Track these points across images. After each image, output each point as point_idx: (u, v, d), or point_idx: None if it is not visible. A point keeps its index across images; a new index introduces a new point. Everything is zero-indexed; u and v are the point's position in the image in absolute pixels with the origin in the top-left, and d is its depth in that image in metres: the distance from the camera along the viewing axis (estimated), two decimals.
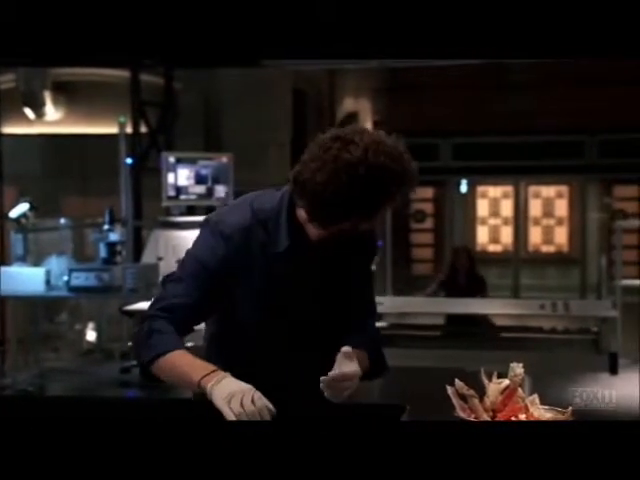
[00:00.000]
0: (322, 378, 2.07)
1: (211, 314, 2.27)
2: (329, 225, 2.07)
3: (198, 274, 2.16)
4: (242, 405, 1.92)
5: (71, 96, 10.27)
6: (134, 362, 7.38)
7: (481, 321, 6.56)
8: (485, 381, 2.08)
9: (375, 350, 2.32)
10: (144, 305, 5.36)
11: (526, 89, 12.07)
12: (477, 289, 8.07)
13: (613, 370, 4.68)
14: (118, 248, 7.17)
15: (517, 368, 2.05)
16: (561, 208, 14.07)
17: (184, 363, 2.08)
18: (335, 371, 2.08)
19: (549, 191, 14.04)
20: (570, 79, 11.72)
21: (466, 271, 8.24)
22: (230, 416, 1.92)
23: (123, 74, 9.17)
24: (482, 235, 14.36)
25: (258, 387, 1.99)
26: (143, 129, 9.18)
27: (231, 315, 2.23)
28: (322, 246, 2.16)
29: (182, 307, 2.15)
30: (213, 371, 2.03)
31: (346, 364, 2.09)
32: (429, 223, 13.66)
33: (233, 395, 1.94)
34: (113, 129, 8.30)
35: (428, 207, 13.71)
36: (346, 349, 2.09)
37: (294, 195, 2.10)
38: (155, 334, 2.12)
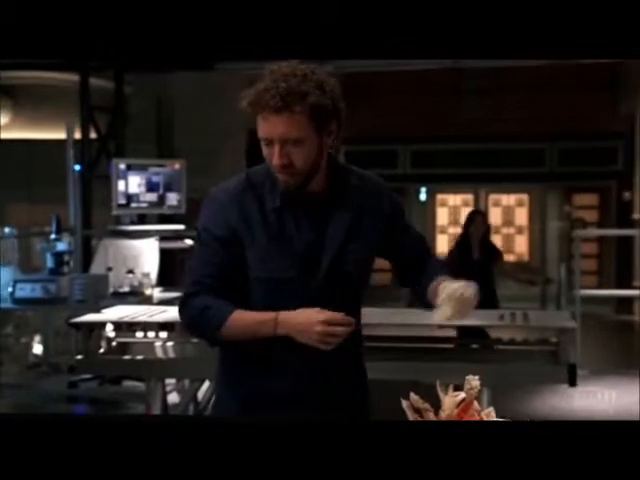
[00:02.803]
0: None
1: (238, 278, 2.35)
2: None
3: (210, 243, 2.30)
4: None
5: (17, 100, 10.05)
6: (82, 376, 7.21)
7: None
8: (440, 394, 2.05)
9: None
10: (93, 317, 5.23)
11: (486, 95, 12.02)
12: (492, 260, 7.54)
13: (572, 382, 4.57)
14: (66, 258, 7.04)
15: (473, 381, 2.02)
16: (521, 217, 14.06)
17: (246, 320, 2.28)
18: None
19: (509, 199, 14.02)
20: (530, 85, 11.69)
21: (481, 239, 7.61)
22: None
23: (71, 77, 8.98)
24: (442, 244, 14.28)
25: (275, 350, 2.26)
26: (92, 135, 9.00)
27: (246, 280, 2.33)
28: (316, 198, 2.29)
29: (210, 277, 2.29)
30: (275, 318, 2.24)
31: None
32: None
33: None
34: (61, 134, 8.10)
35: None
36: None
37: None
38: (205, 311, 2.28)
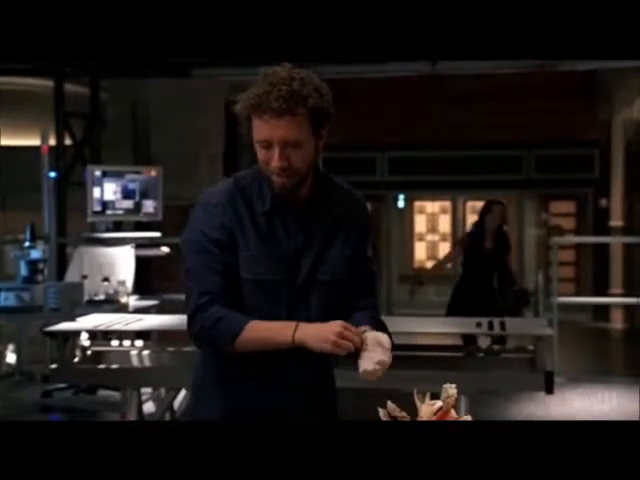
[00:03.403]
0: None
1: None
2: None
3: (209, 249, 2.30)
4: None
5: None
6: (57, 385, 7.14)
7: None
8: (418, 402, 2.06)
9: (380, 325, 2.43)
10: (67, 326, 5.19)
11: (463, 103, 12.03)
12: (503, 250, 7.46)
13: (549, 389, 4.56)
14: (40, 266, 6.94)
15: (450, 389, 2.04)
16: None
17: (262, 330, 2.27)
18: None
19: None
20: (508, 93, 11.71)
21: (495, 229, 7.45)
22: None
23: (46, 83, 8.88)
24: (420, 251, 14.28)
25: (262, 363, 2.28)
26: (68, 141, 8.92)
27: (238, 284, 2.33)
28: (302, 203, 2.32)
29: (217, 284, 2.29)
30: (296, 324, 2.23)
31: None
32: None
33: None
34: (35, 141, 8.02)
35: None
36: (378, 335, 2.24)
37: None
38: (219, 322, 2.26)
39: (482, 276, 7.40)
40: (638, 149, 11.68)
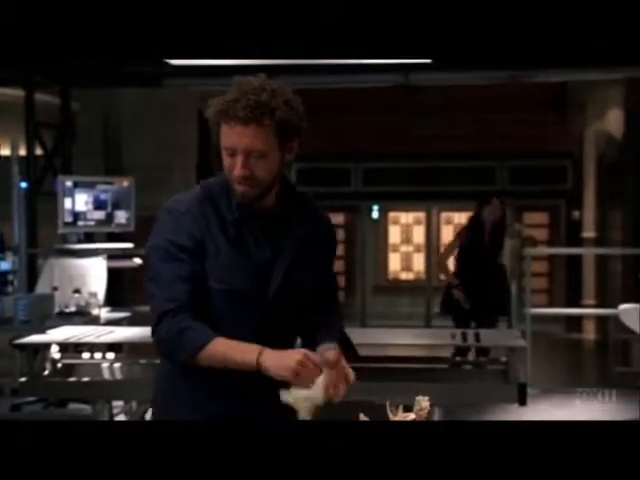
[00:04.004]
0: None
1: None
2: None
3: (176, 255, 2.28)
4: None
5: None
6: (26, 399, 7.04)
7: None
8: (390, 415, 2.07)
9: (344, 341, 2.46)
10: (37, 338, 5.15)
11: (438, 113, 12.07)
12: (499, 244, 7.29)
13: (522, 401, 4.55)
14: (10, 277, 6.93)
15: (423, 402, 2.05)
16: None
17: (227, 349, 2.24)
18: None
19: (461, 217, 14.06)
20: (482, 104, 11.76)
21: (494, 222, 7.22)
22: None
23: (16, 93, 8.79)
24: (394, 262, 14.29)
25: (232, 377, 2.24)
26: (38, 151, 8.82)
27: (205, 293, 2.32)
28: (269, 214, 2.33)
29: (184, 292, 2.26)
30: (260, 349, 2.21)
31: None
32: (340, 250, 13.50)
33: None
34: (5, 151, 7.94)
35: (339, 233, 13.52)
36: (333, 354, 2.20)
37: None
38: (183, 332, 2.23)
39: (478, 272, 7.21)
40: (610, 161, 11.77)
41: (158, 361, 4.98)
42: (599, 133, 12.02)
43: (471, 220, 7.43)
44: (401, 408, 2.07)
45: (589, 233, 12.34)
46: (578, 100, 12.23)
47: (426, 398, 2.07)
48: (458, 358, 5.53)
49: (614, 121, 11.55)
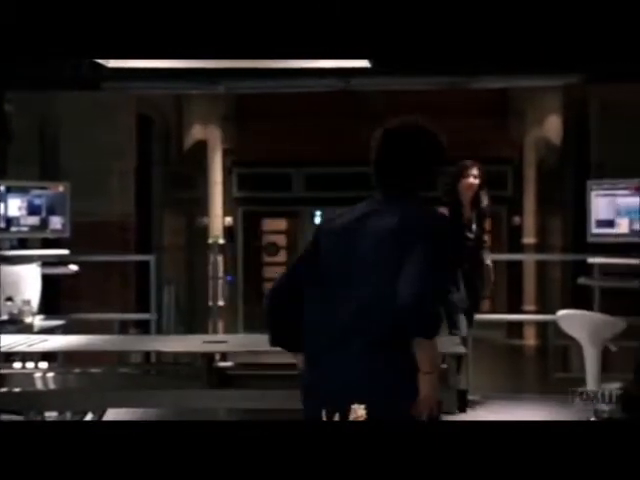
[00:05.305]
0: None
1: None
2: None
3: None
4: None
5: None
6: None
7: None
8: None
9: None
10: None
11: (380, 119, 12.03)
12: (481, 221, 6.64)
13: (462, 407, 4.53)
14: None
15: (359, 410, 2.13)
16: None
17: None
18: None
19: None
20: (423, 110, 11.74)
21: (473, 196, 6.49)
22: None
23: None
24: None
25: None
26: None
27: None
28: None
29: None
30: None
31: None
32: (282, 256, 13.41)
33: None
34: None
35: (281, 239, 13.47)
36: None
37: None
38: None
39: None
40: (549, 167, 11.88)
41: (93, 370, 4.87)
42: (539, 139, 12.13)
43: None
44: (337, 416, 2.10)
45: (529, 239, 12.44)
46: (518, 107, 12.33)
47: (362, 406, 2.13)
48: None
49: (553, 128, 11.68)
